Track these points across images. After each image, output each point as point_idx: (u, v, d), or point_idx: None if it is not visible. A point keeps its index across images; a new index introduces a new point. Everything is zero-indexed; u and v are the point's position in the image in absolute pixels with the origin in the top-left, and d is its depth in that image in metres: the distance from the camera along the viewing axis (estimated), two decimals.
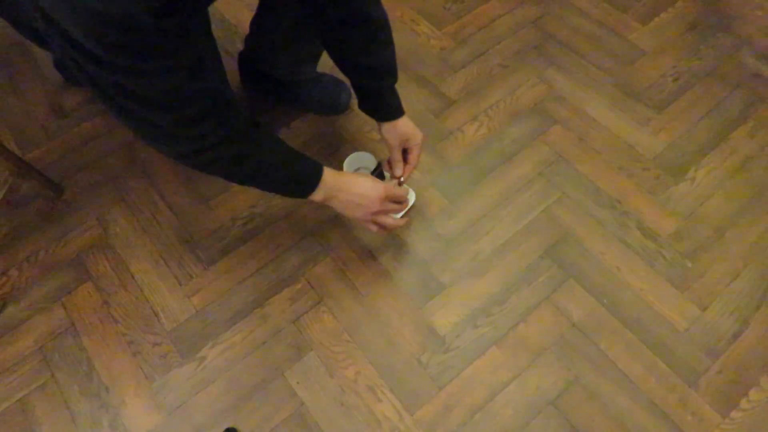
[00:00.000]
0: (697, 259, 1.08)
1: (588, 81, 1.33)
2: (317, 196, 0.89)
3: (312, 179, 0.88)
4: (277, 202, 1.17)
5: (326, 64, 1.05)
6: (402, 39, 1.42)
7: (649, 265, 1.08)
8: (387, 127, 1.01)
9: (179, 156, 0.79)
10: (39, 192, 1.19)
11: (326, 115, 1.29)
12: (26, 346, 1.03)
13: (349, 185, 0.91)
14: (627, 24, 1.43)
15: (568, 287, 1.06)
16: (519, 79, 1.35)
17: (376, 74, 0.97)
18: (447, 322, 1.03)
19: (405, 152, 1.04)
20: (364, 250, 1.11)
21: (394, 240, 1.12)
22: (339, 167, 1.14)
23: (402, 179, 1.04)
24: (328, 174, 0.89)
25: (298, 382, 0.98)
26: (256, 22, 1.12)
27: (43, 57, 1.39)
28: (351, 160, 1.12)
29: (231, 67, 1.27)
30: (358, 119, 1.28)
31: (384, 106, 1.01)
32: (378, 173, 1.10)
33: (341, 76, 1.08)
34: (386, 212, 0.96)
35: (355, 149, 1.14)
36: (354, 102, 1.21)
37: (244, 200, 1.17)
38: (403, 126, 1.01)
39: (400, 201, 0.99)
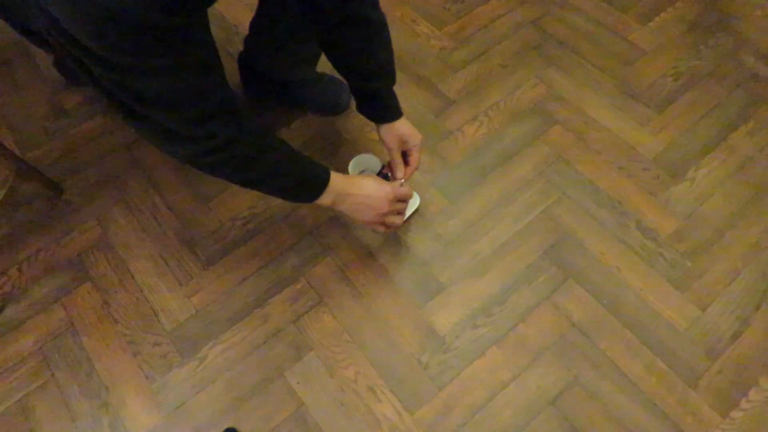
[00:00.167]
0: (697, 259, 1.08)
1: (588, 81, 1.33)
2: (325, 200, 0.89)
3: (320, 183, 0.87)
4: (278, 203, 1.17)
5: (326, 64, 1.05)
6: (402, 39, 1.42)
7: (649, 265, 1.08)
8: (385, 128, 1.01)
9: (188, 158, 0.78)
10: (39, 192, 1.19)
11: (326, 116, 1.29)
12: (26, 346, 1.03)
13: (358, 188, 0.91)
14: (627, 24, 1.43)
15: (568, 287, 1.06)
16: (519, 79, 1.35)
17: (374, 76, 0.97)
18: (447, 322, 1.03)
19: (404, 154, 1.04)
20: (364, 250, 1.11)
21: (394, 240, 1.12)
22: (339, 167, 1.14)
23: (403, 181, 1.04)
24: (336, 178, 0.89)
25: (298, 382, 0.98)
26: (256, 23, 1.12)
27: (43, 57, 1.40)
28: (355, 163, 1.12)
29: (231, 68, 1.27)
30: (358, 119, 1.28)
31: (382, 108, 1.01)
32: (383, 175, 1.10)
33: (341, 76, 1.08)
34: (394, 212, 0.96)
35: (356, 149, 1.14)
36: (354, 102, 1.21)
37: (244, 200, 1.17)
38: (401, 127, 1.01)
39: (406, 199, 0.99)
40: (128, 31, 0.57)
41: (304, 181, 0.87)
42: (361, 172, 1.15)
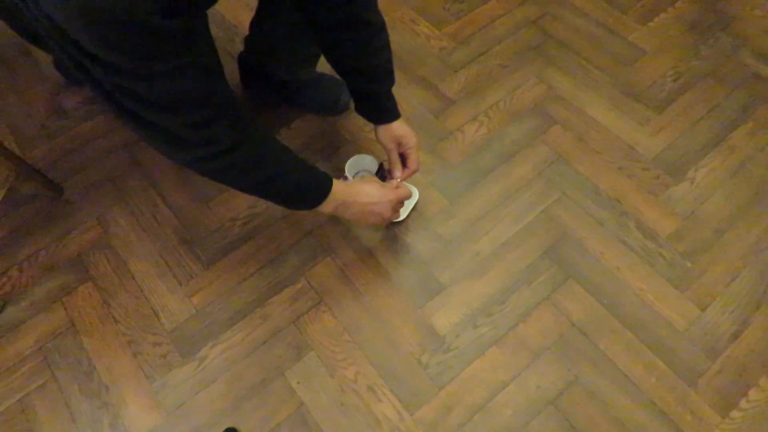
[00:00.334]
0: (696, 259, 1.08)
1: (588, 81, 1.33)
2: (327, 207, 0.89)
3: (323, 190, 0.88)
4: None
5: (326, 64, 1.05)
6: (402, 39, 1.42)
7: (649, 265, 1.08)
8: (382, 129, 1.02)
9: (191, 162, 0.77)
10: (39, 192, 1.19)
11: (326, 116, 1.29)
12: (26, 346, 1.03)
13: (360, 196, 0.92)
14: (627, 24, 1.43)
15: (567, 287, 1.06)
16: (519, 79, 1.35)
17: (372, 78, 0.98)
18: (447, 322, 1.03)
19: (402, 156, 1.05)
20: (364, 250, 1.11)
21: (394, 240, 1.12)
22: (339, 167, 1.15)
23: (400, 180, 1.04)
24: (338, 186, 0.89)
25: (298, 382, 0.98)
26: (255, 23, 1.12)
27: (43, 57, 1.40)
28: (352, 163, 1.12)
29: (231, 68, 1.27)
30: (358, 119, 1.27)
31: (380, 110, 1.01)
32: (381, 175, 1.10)
33: (340, 77, 1.08)
34: (396, 212, 0.99)
35: (355, 149, 1.14)
36: (353, 102, 1.21)
37: (244, 200, 1.17)
38: (398, 129, 1.02)
39: (407, 199, 1.02)
40: (131, 35, 0.57)
41: (306, 188, 0.87)
42: (358, 173, 1.15)
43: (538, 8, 1.47)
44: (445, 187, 1.19)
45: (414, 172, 1.05)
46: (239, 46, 1.24)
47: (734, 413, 0.94)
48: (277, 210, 1.16)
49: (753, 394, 0.95)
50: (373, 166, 1.12)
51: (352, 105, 1.28)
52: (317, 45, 0.99)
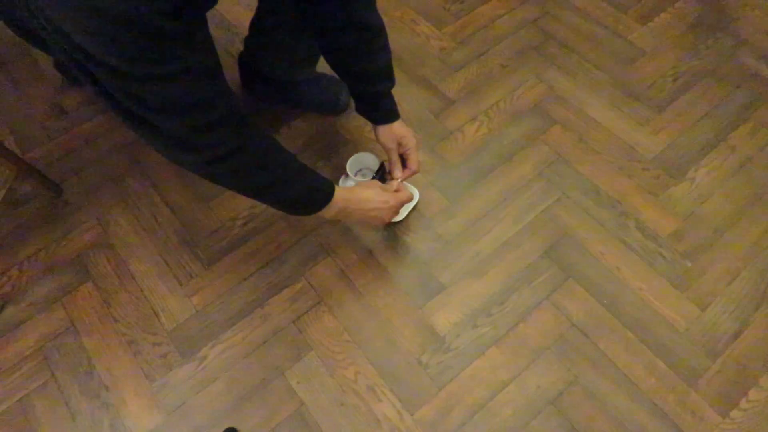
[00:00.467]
0: (696, 259, 1.08)
1: (588, 81, 1.33)
2: (328, 213, 0.90)
3: (324, 196, 0.88)
4: None
5: (326, 64, 1.05)
6: (402, 39, 1.42)
7: (649, 265, 1.08)
8: (383, 129, 1.02)
9: (194, 166, 0.77)
10: (39, 192, 1.19)
11: (326, 115, 1.29)
12: (26, 346, 1.03)
13: (361, 203, 0.93)
14: (627, 24, 1.44)
15: (568, 287, 1.06)
16: (519, 79, 1.35)
17: (373, 80, 0.98)
18: (447, 322, 1.03)
19: (401, 156, 1.05)
20: (364, 250, 1.11)
21: (394, 240, 1.12)
22: (339, 167, 1.15)
23: (400, 180, 1.04)
24: (339, 192, 0.89)
25: (298, 382, 0.98)
26: (255, 23, 1.12)
27: (43, 57, 1.40)
28: (353, 161, 1.12)
29: (231, 68, 1.27)
30: (358, 119, 1.27)
31: (381, 110, 1.02)
32: (381, 173, 1.10)
33: (340, 78, 1.08)
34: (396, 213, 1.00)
35: (355, 149, 1.15)
36: (353, 102, 1.21)
37: (244, 200, 1.17)
38: (399, 129, 1.02)
39: (408, 200, 1.03)
40: (134, 38, 0.57)
41: (308, 194, 0.87)
42: (359, 171, 1.15)
43: (538, 8, 1.47)
44: (445, 187, 1.19)
45: (414, 172, 1.05)
46: (239, 46, 1.24)
47: (734, 413, 0.94)
48: (277, 210, 1.16)
49: (753, 394, 0.95)
50: (375, 164, 1.12)
51: (352, 105, 1.28)
52: (317, 47, 0.99)
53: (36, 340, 1.03)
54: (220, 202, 1.18)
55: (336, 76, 1.04)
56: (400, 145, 1.03)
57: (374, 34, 0.93)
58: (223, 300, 1.06)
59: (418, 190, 1.15)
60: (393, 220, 1.10)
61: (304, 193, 0.87)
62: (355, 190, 0.95)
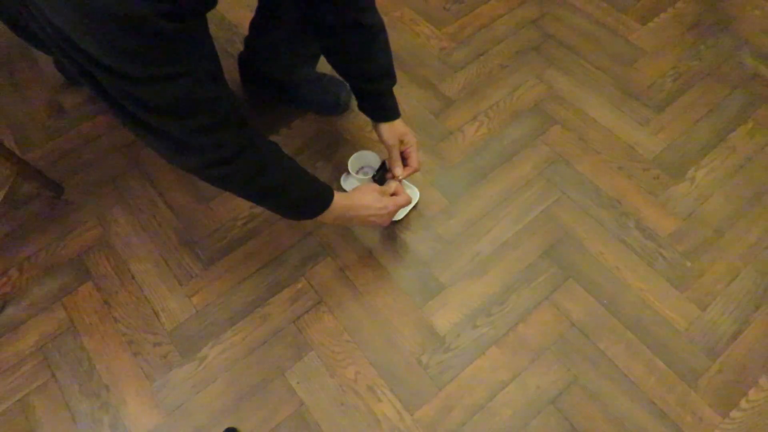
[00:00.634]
0: (696, 259, 1.08)
1: (588, 81, 1.33)
2: (327, 217, 0.90)
3: (323, 201, 0.88)
4: None
5: (326, 64, 1.05)
6: (402, 39, 1.42)
7: (649, 265, 1.08)
8: (385, 127, 1.02)
9: (196, 169, 0.77)
10: (39, 192, 1.19)
11: (326, 115, 1.29)
12: (26, 346, 1.03)
13: (359, 209, 0.93)
14: (627, 24, 1.43)
15: (567, 287, 1.06)
16: (519, 79, 1.35)
17: (374, 78, 0.99)
18: (447, 322, 1.03)
19: (402, 154, 1.05)
20: (364, 250, 1.11)
21: (394, 240, 1.12)
22: (339, 167, 1.15)
23: (401, 179, 1.04)
24: (338, 198, 0.90)
25: (298, 382, 0.98)
26: (255, 23, 1.12)
27: (43, 57, 1.40)
28: (355, 159, 1.12)
29: (231, 68, 1.27)
30: (358, 119, 1.28)
31: (383, 108, 1.02)
32: (382, 172, 1.10)
33: (341, 78, 1.08)
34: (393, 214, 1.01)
35: (355, 149, 1.14)
36: (354, 102, 1.21)
37: (244, 201, 1.17)
38: (400, 127, 1.03)
39: (406, 204, 1.02)
40: (136, 39, 0.57)
41: (307, 199, 0.88)
42: (361, 169, 1.16)
43: (538, 8, 1.47)
44: (445, 187, 1.19)
45: (415, 170, 1.05)
46: (239, 46, 1.24)
47: (734, 413, 0.94)
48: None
49: (753, 394, 0.95)
50: (376, 162, 1.12)
51: (352, 105, 1.29)
52: (318, 47, 0.99)
53: (36, 340, 1.03)
54: (220, 202, 1.18)
55: (336, 76, 1.04)
56: (401, 142, 1.03)
57: (375, 33, 0.94)
58: (223, 300, 1.06)
59: (418, 190, 1.15)
60: (392, 219, 1.10)
61: (303, 198, 0.87)
62: (354, 195, 0.95)
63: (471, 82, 1.34)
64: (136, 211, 1.17)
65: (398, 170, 1.04)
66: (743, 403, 0.94)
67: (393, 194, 1.00)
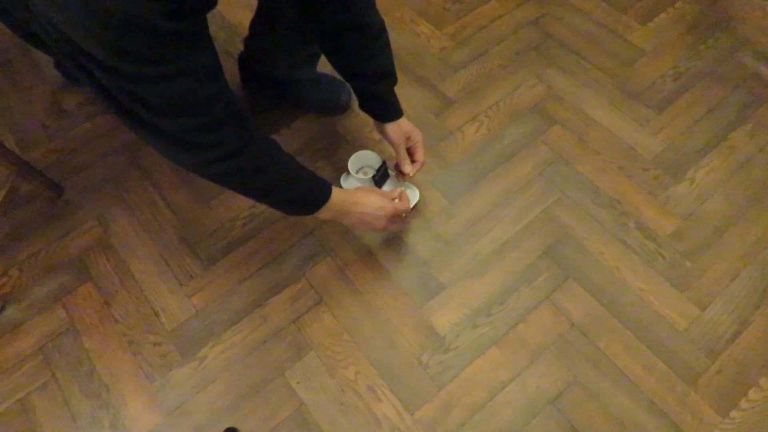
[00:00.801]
0: (696, 259, 1.08)
1: (588, 81, 1.34)
2: (325, 214, 0.90)
3: (321, 198, 0.88)
4: None
5: (326, 64, 1.05)
6: (402, 39, 1.42)
7: (649, 265, 1.08)
8: (391, 126, 1.02)
9: (195, 166, 0.77)
10: (39, 192, 1.19)
11: (326, 115, 1.29)
12: (27, 346, 1.03)
13: (357, 206, 0.93)
14: (627, 24, 1.44)
15: (567, 287, 1.06)
16: (519, 79, 1.35)
17: (375, 79, 0.99)
18: (447, 322, 1.03)
19: (408, 151, 1.06)
20: (364, 250, 1.11)
21: (394, 240, 1.12)
22: (339, 167, 1.15)
23: (412, 175, 1.05)
24: (337, 195, 0.90)
25: (298, 382, 0.98)
26: (255, 23, 1.12)
27: (43, 57, 1.39)
28: (355, 159, 1.12)
29: (231, 68, 1.27)
30: (358, 119, 1.28)
31: (387, 108, 1.02)
32: (383, 172, 1.11)
33: (343, 78, 1.08)
34: (394, 222, 0.98)
35: (355, 149, 1.14)
36: (354, 102, 1.22)
37: (244, 200, 1.17)
38: (405, 124, 1.03)
39: (405, 211, 1.01)
40: (136, 39, 0.57)
41: (306, 195, 0.88)
42: (360, 169, 1.15)
43: (538, 8, 1.47)
44: (445, 187, 1.19)
45: (423, 164, 1.06)
46: (239, 46, 1.24)
47: (734, 413, 0.94)
48: (276, 210, 1.16)
49: (753, 394, 0.95)
50: (376, 162, 1.12)
51: (352, 104, 1.29)
52: (318, 47, 0.99)
53: (36, 340, 1.03)
54: (220, 202, 1.18)
55: (336, 76, 1.04)
56: (408, 139, 1.04)
57: (375, 33, 0.94)
58: (223, 300, 1.06)
59: (419, 190, 1.15)
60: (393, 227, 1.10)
61: (302, 194, 0.87)
62: (354, 193, 0.95)
63: (471, 82, 1.34)
64: (136, 211, 1.17)
65: (408, 168, 1.04)
66: (743, 403, 0.94)
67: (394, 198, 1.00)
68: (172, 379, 0.99)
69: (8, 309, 1.06)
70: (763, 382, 0.96)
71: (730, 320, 1.02)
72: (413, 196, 1.13)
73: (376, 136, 1.24)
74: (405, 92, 1.31)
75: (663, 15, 1.45)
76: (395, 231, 1.12)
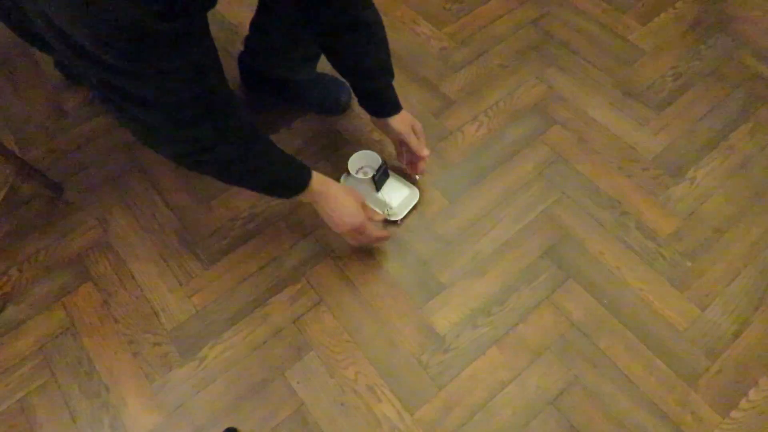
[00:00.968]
0: (696, 259, 1.08)
1: (588, 81, 1.33)
2: (303, 198, 0.93)
3: (299, 185, 0.91)
4: (278, 203, 1.17)
5: (326, 64, 1.05)
6: (402, 39, 1.42)
7: (649, 265, 1.08)
8: (395, 119, 1.04)
9: (173, 156, 0.81)
10: (39, 192, 1.19)
11: (326, 115, 1.29)
12: (26, 346, 1.03)
13: (330, 202, 0.94)
14: (627, 24, 1.43)
15: (567, 287, 1.06)
16: (519, 79, 1.35)
17: (372, 75, 1.00)
18: (447, 322, 1.03)
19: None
20: (364, 250, 1.11)
21: (394, 240, 1.12)
22: (339, 167, 1.15)
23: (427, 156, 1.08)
24: (316, 182, 0.91)
25: (298, 382, 0.98)
26: (255, 23, 1.12)
27: (43, 57, 1.40)
28: (355, 159, 1.12)
29: (231, 68, 1.27)
30: (358, 119, 1.28)
31: (387, 103, 1.04)
32: (382, 172, 1.11)
33: (341, 77, 1.08)
34: (364, 235, 0.99)
35: (355, 149, 1.14)
36: (354, 102, 1.21)
37: (244, 200, 1.17)
38: (407, 115, 1.06)
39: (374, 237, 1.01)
40: (124, 36, 0.57)
41: (285, 182, 0.91)
42: (360, 169, 1.16)
43: (538, 8, 1.47)
44: (445, 187, 1.19)
45: (427, 153, 1.08)
46: (239, 46, 1.24)
47: (734, 413, 0.94)
48: (277, 210, 1.16)
49: (753, 394, 0.95)
50: (376, 162, 1.12)
51: (352, 104, 1.29)
52: (317, 46, 0.99)
53: (36, 340, 1.03)
54: (220, 202, 1.18)
55: (336, 75, 1.05)
56: (413, 129, 1.06)
57: (372, 30, 0.95)
58: (223, 300, 1.06)
59: (419, 190, 1.15)
60: (392, 219, 1.11)
61: (280, 180, 0.90)
62: (337, 190, 0.95)
63: (471, 82, 1.34)
64: (136, 211, 1.17)
65: (424, 150, 1.07)
66: (743, 403, 0.94)
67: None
68: (172, 379, 0.99)
69: (8, 309, 1.06)
70: (763, 382, 0.96)
71: (730, 320, 1.02)
72: (413, 196, 1.14)
73: (377, 136, 1.24)
74: (405, 92, 1.31)
75: (663, 15, 1.45)
76: (395, 230, 1.12)
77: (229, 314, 1.05)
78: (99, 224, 1.16)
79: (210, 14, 0.71)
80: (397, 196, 1.14)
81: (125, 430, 0.95)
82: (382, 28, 0.96)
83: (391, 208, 1.12)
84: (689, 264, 1.08)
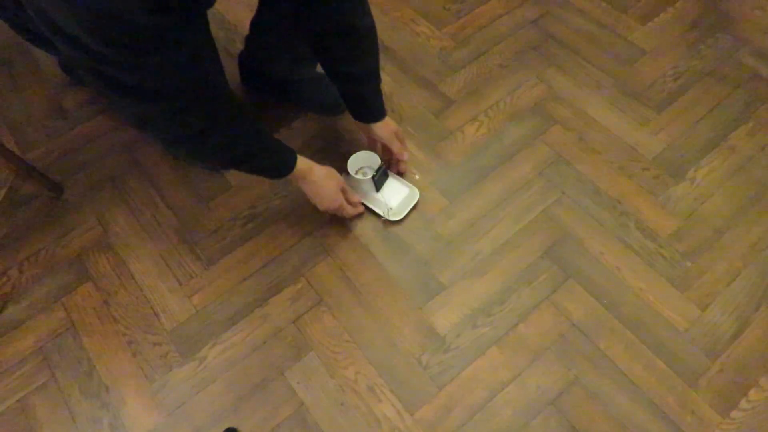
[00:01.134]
0: (696, 259, 1.08)
1: (588, 81, 1.33)
2: (290, 178, 0.97)
3: (285, 168, 0.95)
4: (278, 202, 1.17)
5: None
6: (402, 39, 1.42)
7: (649, 265, 1.08)
8: (379, 126, 1.08)
9: (161, 142, 0.85)
10: (39, 192, 1.19)
11: (326, 115, 1.29)
12: (26, 346, 1.03)
13: (313, 185, 1.00)
14: (627, 24, 1.43)
15: (567, 287, 1.06)
16: (519, 79, 1.35)
17: (362, 81, 1.02)
18: (447, 322, 1.03)
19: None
20: (364, 250, 1.11)
21: (394, 240, 1.12)
22: (339, 167, 1.14)
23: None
24: (300, 164, 0.96)
25: (298, 382, 0.98)
26: (255, 23, 1.12)
27: (43, 57, 1.40)
28: (355, 159, 1.12)
29: (231, 68, 1.27)
30: None
31: (373, 108, 1.06)
32: (382, 172, 1.11)
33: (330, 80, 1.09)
34: (346, 207, 1.07)
35: (355, 149, 1.14)
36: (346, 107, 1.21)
37: (244, 200, 1.17)
38: (391, 123, 1.09)
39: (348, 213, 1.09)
40: (115, 28, 0.59)
41: (273, 165, 0.94)
42: (360, 169, 1.16)
43: (538, 8, 1.47)
44: (445, 187, 1.19)
45: (407, 157, 1.15)
46: (239, 46, 1.24)
47: (734, 413, 0.94)
48: (277, 210, 1.16)
49: (753, 394, 0.95)
50: (375, 162, 1.12)
51: None
52: (310, 49, 1.00)
53: (36, 340, 1.03)
54: (220, 202, 1.18)
55: None
56: (396, 135, 1.10)
57: (362, 36, 0.97)
58: (223, 300, 1.06)
59: (419, 190, 1.15)
60: (392, 219, 1.11)
61: (267, 165, 0.94)
62: (319, 172, 1.00)
63: (471, 82, 1.34)
64: (136, 211, 1.17)
65: (406, 154, 1.13)
66: (743, 403, 0.94)
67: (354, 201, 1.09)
68: (172, 379, 0.99)
69: (8, 309, 1.06)
70: (763, 382, 0.96)
71: (730, 320, 1.02)
72: (413, 196, 1.14)
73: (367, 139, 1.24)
74: (405, 92, 1.32)
75: (663, 15, 1.45)
76: (395, 230, 1.13)
77: (229, 314, 1.05)
78: (99, 224, 1.16)
79: (210, 14, 0.72)
80: (397, 196, 1.14)
81: (125, 430, 0.95)
82: (376, 35, 0.99)
83: (390, 208, 1.12)
84: (689, 264, 1.08)
